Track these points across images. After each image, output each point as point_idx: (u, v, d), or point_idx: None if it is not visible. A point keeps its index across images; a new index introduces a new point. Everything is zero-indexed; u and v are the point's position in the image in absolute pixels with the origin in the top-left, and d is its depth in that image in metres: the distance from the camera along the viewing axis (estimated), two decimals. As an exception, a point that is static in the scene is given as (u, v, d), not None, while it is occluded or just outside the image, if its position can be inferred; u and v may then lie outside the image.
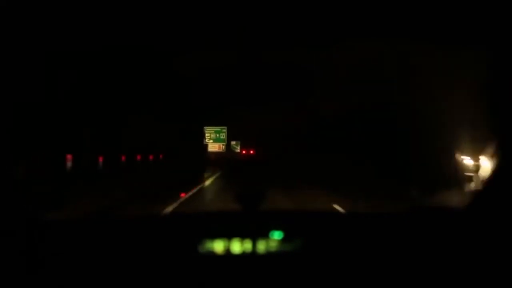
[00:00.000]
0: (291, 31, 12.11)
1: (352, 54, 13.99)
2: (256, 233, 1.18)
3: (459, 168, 10.69)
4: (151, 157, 19.29)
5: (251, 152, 43.22)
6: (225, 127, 31.91)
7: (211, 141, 31.75)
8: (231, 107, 28.73)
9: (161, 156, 21.27)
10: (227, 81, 24.02)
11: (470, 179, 9.70)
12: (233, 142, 47.68)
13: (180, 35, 13.13)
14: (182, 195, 8.91)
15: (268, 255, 1.14)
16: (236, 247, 1.13)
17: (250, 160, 34.96)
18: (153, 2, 9.96)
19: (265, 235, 1.18)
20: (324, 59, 15.26)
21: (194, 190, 10.40)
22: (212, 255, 1.12)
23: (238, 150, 46.71)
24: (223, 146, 32.23)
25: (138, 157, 17.08)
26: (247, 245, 1.13)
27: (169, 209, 7.07)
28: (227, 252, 1.11)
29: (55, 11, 7.99)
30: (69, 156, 10.07)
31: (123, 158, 14.72)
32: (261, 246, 1.14)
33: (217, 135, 32.03)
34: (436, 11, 8.95)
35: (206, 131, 31.66)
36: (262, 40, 14.00)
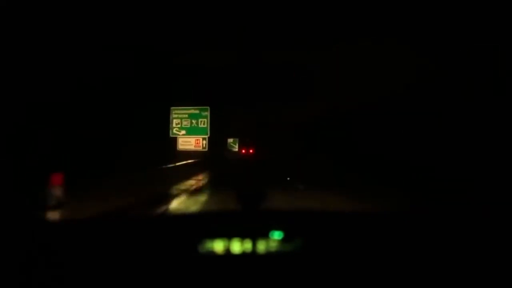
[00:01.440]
0: (291, 31, 12.12)
1: (352, 54, 14.00)
2: (256, 233, 1.18)
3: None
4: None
5: (251, 151, 42.19)
6: (207, 108, 17.89)
7: (183, 132, 17.83)
8: (230, 106, 28.21)
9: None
10: (227, 81, 23.95)
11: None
12: (230, 140, 40.75)
13: (180, 35, 13.13)
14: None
15: (268, 255, 1.14)
16: (236, 247, 1.13)
17: (250, 161, 33.08)
18: (154, 2, 9.96)
19: (265, 235, 1.18)
20: (324, 59, 15.28)
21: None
22: (212, 255, 1.12)
23: (236, 149, 41.08)
24: (205, 142, 18.01)
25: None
26: (247, 245, 1.13)
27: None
28: (227, 252, 1.12)
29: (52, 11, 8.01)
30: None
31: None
32: (261, 246, 1.14)
33: (193, 122, 17.82)
34: (435, 11, 8.95)
35: (174, 114, 17.87)
36: (262, 40, 14.00)
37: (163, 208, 7.92)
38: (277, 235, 1.19)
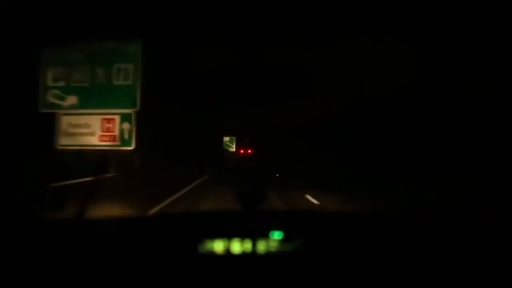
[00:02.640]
0: (291, 31, 12.11)
1: (352, 54, 14.01)
2: (256, 233, 1.18)
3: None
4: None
5: (249, 151, 40.43)
6: (138, 42, 7.51)
7: (71, 100, 7.62)
8: (230, 106, 27.94)
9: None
10: (226, 81, 23.82)
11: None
12: (226, 138, 35.58)
13: (180, 35, 13.12)
14: None
15: (268, 255, 1.14)
16: (236, 247, 1.13)
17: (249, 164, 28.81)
18: (153, 2, 9.94)
19: (265, 235, 1.18)
20: (324, 59, 15.28)
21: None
22: (212, 255, 1.12)
23: (234, 149, 36.62)
24: (128, 127, 7.43)
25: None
26: (247, 245, 1.13)
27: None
28: (227, 252, 1.12)
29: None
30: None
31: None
32: (261, 246, 1.14)
33: (99, 73, 7.48)
34: (435, 11, 8.95)
35: (49, 57, 7.59)
36: (262, 40, 14.00)
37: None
38: (277, 235, 1.20)
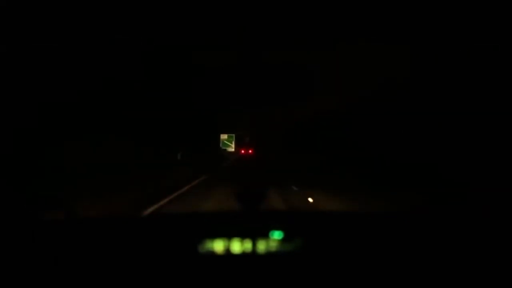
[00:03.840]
0: (291, 31, 12.11)
1: (352, 54, 14.00)
2: (256, 233, 1.18)
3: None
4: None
5: (250, 151, 38.81)
6: None
7: None
8: (230, 106, 27.89)
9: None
10: (226, 81, 23.78)
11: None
12: (224, 137, 32.15)
13: (180, 35, 13.11)
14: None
15: (268, 255, 1.14)
16: (236, 247, 1.13)
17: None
18: (153, 2, 9.95)
19: (265, 235, 1.18)
20: (324, 59, 15.28)
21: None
22: (212, 255, 1.12)
23: (233, 149, 33.12)
24: None
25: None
26: (247, 245, 1.13)
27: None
28: (227, 252, 1.11)
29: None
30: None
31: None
32: (261, 246, 1.14)
33: None
34: (435, 11, 8.95)
35: None
36: (262, 40, 13.99)
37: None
38: (277, 235, 1.19)
